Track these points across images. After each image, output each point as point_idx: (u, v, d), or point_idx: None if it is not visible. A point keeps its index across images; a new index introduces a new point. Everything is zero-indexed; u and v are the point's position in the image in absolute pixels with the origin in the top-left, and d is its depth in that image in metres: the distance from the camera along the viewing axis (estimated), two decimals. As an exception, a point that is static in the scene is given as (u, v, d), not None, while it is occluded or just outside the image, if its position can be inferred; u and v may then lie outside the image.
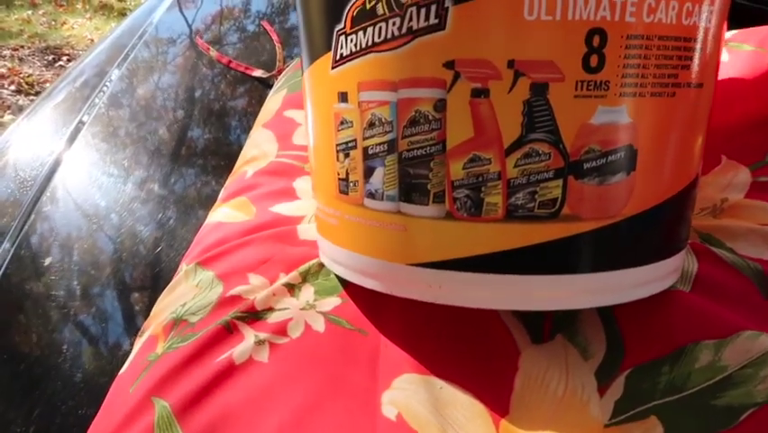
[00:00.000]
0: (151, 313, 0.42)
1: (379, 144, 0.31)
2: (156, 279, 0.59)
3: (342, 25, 0.31)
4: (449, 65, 0.29)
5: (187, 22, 0.96)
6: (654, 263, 0.32)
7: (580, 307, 0.31)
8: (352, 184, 0.33)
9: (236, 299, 0.39)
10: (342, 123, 0.33)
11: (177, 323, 0.38)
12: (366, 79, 0.31)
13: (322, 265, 0.40)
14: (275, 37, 0.81)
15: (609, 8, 0.27)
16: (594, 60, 0.28)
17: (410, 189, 0.31)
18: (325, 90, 0.34)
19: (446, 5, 0.28)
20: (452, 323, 0.35)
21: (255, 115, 0.74)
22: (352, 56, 0.31)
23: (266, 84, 0.77)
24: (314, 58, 0.35)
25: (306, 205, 0.47)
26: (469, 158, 0.29)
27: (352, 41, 0.31)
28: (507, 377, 0.32)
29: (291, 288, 0.39)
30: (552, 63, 0.28)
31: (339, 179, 0.34)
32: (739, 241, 0.39)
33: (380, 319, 0.36)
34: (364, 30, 0.30)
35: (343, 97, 0.32)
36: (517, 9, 0.27)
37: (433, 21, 0.28)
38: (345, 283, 0.39)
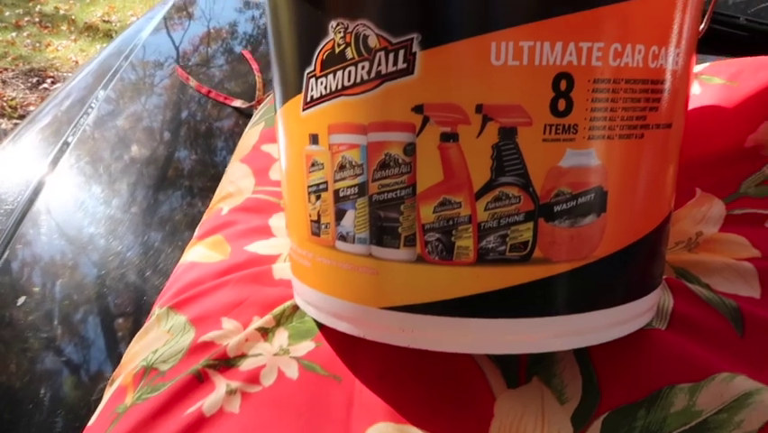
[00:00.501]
0: (122, 360, 0.41)
1: (350, 187, 0.31)
2: (142, 305, 0.58)
3: (312, 68, 0.31)
4: (418, 109, 0.28)
5: (174, 43, 0.96)
6: (629, 303, 0.32)
7: (555, 349, 0.31)
8: (323, 226, 0.33)
9: (208, 345, 0.38)
10: (313, 164, 0.33)
11: (147, 371, 0.37)
12: (336, 122, 0.31)
13: (296, 307, 0.40)
14: (255, 66, 0.81)
15: (576, 53, 0.27)
16: (562, 104, 0.28)
17: (381, 232, 0.31)
18: (297, 131, 0.34)
19: (414, 51, 0.28)
20: (428, 367, 0.35)
21: (240, 135, 0.74)
22: (323, 99, 0.31)
23: (246, 114, 0.76)
24: (286, 98, 0.35)
25: (281, 243, 0.46)
26: (439, 201, 0.29)
27: (322, 83, 0.31)
28: (483, 425, 0.32)
29: (265, 332, 0.38)
30: (520, 107, 0.28)
31: (311, 220, 0.34)
32: (715, 276, 0.39)
33: (355, 362, 0.36)
34: (334, 73, 0.30)
35: (314, 139, 0.32)
36: (485, 55, 0.27)
37: (401, 65, 0.28)
38: (320, 325, 0.38)
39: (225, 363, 0.37)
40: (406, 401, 0.34)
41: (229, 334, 0.39)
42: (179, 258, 0.50)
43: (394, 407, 0.33)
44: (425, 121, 0.28)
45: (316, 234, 0.34)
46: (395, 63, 0.28)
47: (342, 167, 0.31)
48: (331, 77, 0.30)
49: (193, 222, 0.64)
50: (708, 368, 0.33)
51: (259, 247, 0.46)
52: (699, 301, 0.37)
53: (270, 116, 0.57)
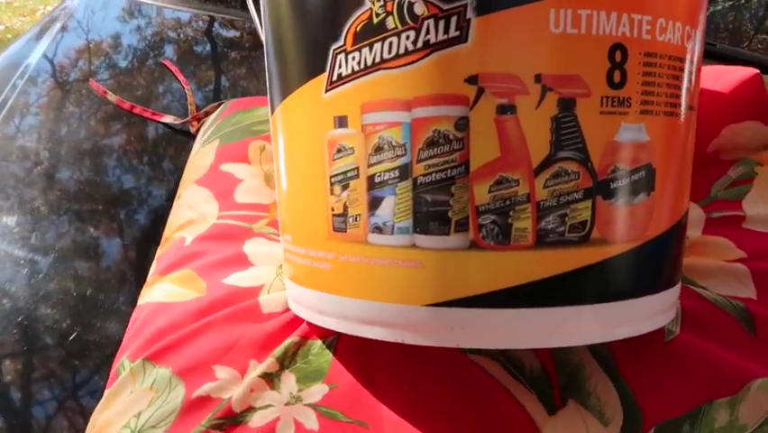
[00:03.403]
0: (91, 430, 0.34)
1: (390, 171, 0.28)
2: (31, 342, 0.50)
3: (340, 43, 0.28)
4: (472, 80, 0.26)
5: (47, 58, 0.86)
6: (670, 289, 0.31)
7: (614, 339, 0.29)
8: (351, 219, 0.30)
9: (205, 400, 0.33)
10: (339, 150, 0.29)
11: None
12: (372, 99, 0.28)
13: (299, 345, 0.35)
14: (182, 78, 0.74)
15: (629, 24, 0.27)
16: (617, 76, 0.27)
17: (428, 219, 0.28)
18: (315, 118, 0.30)
19: (468, 17, 0.26)
20: (460, 401, 0.32)
21: (135, 153, 0.67)
22: (354, 75, 0.28)
23: (172, 128, 0.69)
24: (294, 87, 0.31)
25: (262, 273, 0.41)
26: (495, 180, 0.27)
27: (354, 59, 0.28)
28: None
29: (270, 379, 0.34)
30: (579, 78, 0.27)
31: (334, 215, 0.30)
32: (710, 279, 0.39)
33: (378, 403, 0.32)
34: (370, 46, 0.28)
35: (342, 122, 0.29)
36: (544, 21, 0.26)
37: (453, 33, 0.26)
38: (329, 364, 0.35)
39: (232, 421, 0.32)
40: None
41: (226, 385, 0.34)
42: (71, 287, 0.44)
43: None
44: (480, 92, 0.27)
45: (341, 229, 0.30)
46: (446, 31, 0.26)
47: (378, 149, 0.28)
48: (366, 50, 0.28)
49: (86, 249, 0.57)
50: (741, 376, 0.33)
51: (238, 279, 0.41)
52: (705, 302, 0.37)
53: (226, 132, 0.52)
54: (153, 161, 0.67)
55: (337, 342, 0.36)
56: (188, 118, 0.64)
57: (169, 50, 0.82)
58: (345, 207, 0.30)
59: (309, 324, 0.37)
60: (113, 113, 0.72)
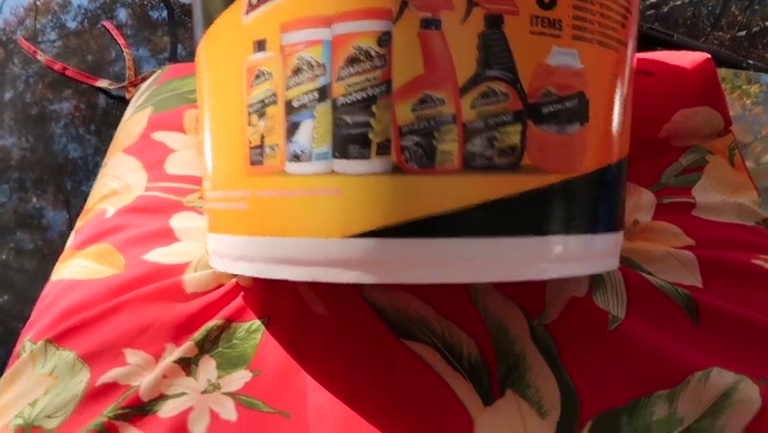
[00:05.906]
0: None
1: (308, 93, 0.26)
2: None
3: (260, -38, 0.27)
4: (394, -8, 0.25)
5: None
6: (614, 232, 0.30)
7: (552, 276, 0.27)
8: (268, 149, 0.27)
9: (111, 387, 0.30)
10: (257, 77, 0.28)
11: (26, 432, 0.28)
12: (292, 18, 0.26)
13: (222, 328, 0.33)
14: (122, 41, 0.70)
15: (558, -57, 0.26)
16: (546, -4, 0.26)
17: (347, 142, 0.26)
18: (234, 46, 0.29)
19: (390, -73, 0.25)
20: (394, 388, 0.29)
21: (83, 120, 0.64)
22: (274, -6, 0.27)
23: (109, 94, 0.66)
24: (215, 15, 0.30)
25: (189, 248, 0.38)
26: (419, 98, 0.25)
27: (273, -23, 0.27)
28: None
29: (186, 364, 0.31)
30: (505, -7, 0.25)
31: (251, 147, 0.28)
32: (657, 264, 0.38)
33: (304, 389, 0.30)
34: (290, -38, 0.26)
35: (260, 46, 0.27)
36: (468, -67, 0.25)
37: (374, -56, 0.25)
38: (254, 349, 0.32)
39: (139, 411, 0.29)
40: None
41: (137, 370, 0.31)
42: (10, 259, 0.40)
43: None
44: (404, 6, 0.25)
45: (258, 162, 0.28)
46: (367, -58, 0.25)
47: (297, 70, 0.27)
48: (286, -33, 0.26)
49: (27, 219, 0.54)
50: (683, 367, 0.31)
51: (160, 255, 0.38)
52: (651, 287, 0.35)
53: (160, 100, 0.49)
54: (102, 130, 0.64)
55: (266, 325, 0.33)
56: (124, 83, 0.61)
57: (122, 14, 0.79)
58: (263, 138, 0.28)
59: (245, 296, 0.34)
60: (62, 78, 0.69)
